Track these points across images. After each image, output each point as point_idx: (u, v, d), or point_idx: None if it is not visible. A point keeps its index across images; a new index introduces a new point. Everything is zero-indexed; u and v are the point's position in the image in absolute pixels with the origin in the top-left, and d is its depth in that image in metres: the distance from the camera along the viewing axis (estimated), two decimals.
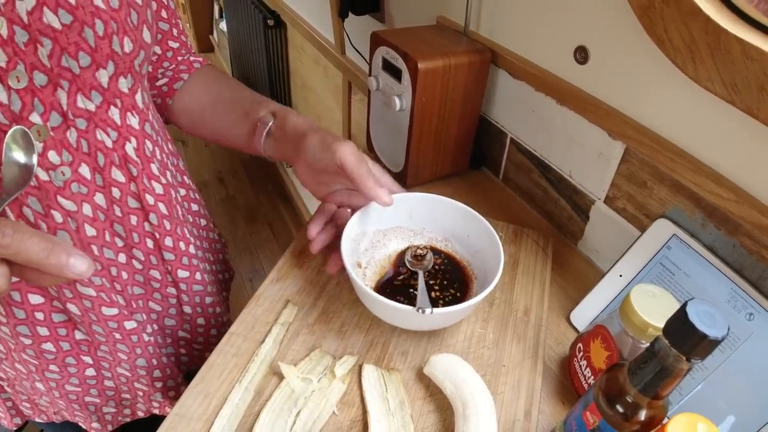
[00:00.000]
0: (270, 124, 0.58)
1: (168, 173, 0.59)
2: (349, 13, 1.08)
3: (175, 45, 0.65)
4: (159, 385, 0.68)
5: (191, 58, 0.68)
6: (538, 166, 0.71)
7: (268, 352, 0.51)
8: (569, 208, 0.68)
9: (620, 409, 0.37)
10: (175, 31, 0.64)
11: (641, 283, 0.45)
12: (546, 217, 0.73)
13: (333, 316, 0.55)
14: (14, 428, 0.70)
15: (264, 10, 1.92)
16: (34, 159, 0.38)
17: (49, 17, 0.41)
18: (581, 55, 0.58)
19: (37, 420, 0.69)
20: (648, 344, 0.35)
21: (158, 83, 0.65)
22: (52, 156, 0.46)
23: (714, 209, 0.50)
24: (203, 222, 0.71)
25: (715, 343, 0.31)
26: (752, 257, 0.48)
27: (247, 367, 0.49)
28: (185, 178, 0.67)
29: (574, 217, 0.68)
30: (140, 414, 0.72)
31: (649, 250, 0.55)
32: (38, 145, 0.44)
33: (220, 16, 2.93)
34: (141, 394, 0.68)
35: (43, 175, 0.46)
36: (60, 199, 0.47)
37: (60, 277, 0.34)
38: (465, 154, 0.81)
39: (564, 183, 0.67)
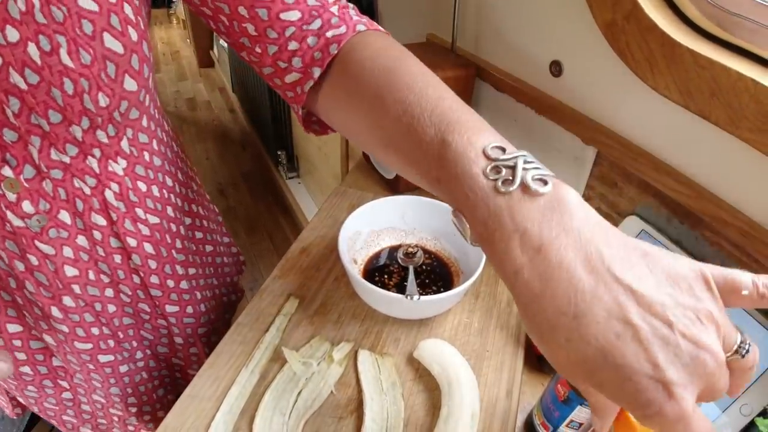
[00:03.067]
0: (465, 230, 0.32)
1: (168, 208, 0.57)
2: None
3: (290, 16, 0.42)
4: (134, 410, 0.68)
5: (330, 31, 0.42)
6: None
7: (271, 339, 0.55)
8: None
9: None
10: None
11: None
12: None
13: (331, 308, 0.60)
14: (15, 417, 0.72)
15: None
16: None
17: (15, 78, 0.39)
18: (556, 68, 0.64)
19: (36, 409, 0.69)
20: None
21: (287, 79, 0.44)
22: (26, 206, 0.45)
23: (677, 205, 0.55)
24: (209, 248, 0.69)
25: None
26: (713, 248, 0.53)
27: (253, 353, 0.54)
28: (194, 206, 0.64)
29: None
30: None
31: None
32: (11, 196, 0.44)
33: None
34: (116, 419, 0.68)
35: (18, 222, 0.45)
36: (38, 243, 0.47)
37: None
38: None
39: None
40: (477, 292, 0.63)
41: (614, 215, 0.63)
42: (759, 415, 0.49)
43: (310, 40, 0.42)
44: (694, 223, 0.54)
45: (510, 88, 0.73)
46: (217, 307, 0.71)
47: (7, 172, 0.43)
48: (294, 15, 0.42)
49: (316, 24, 0.42)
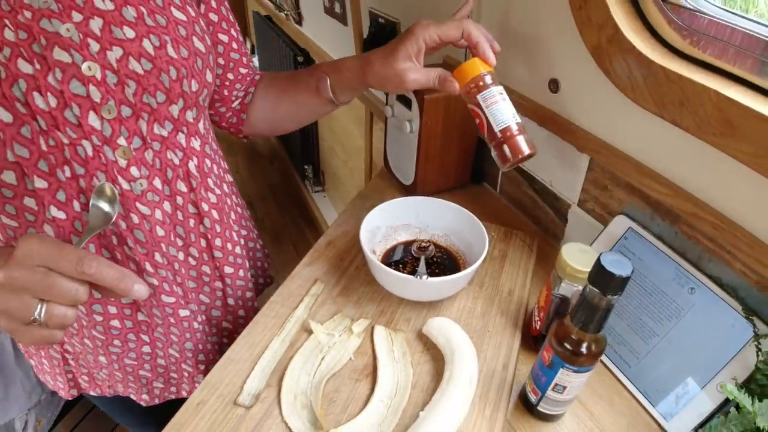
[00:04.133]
0: (328, 84, 0.70)
1: (224, 185, 0.71)
2: None
3: (244, 71, 0.75)
4: (202, 367, 0.78)
5: (255, 76, 0.79)
6: (526, 178, 0.84)
7: (300, 314, 0.64)
8: (552, 213, 0.81)
9: (567, 345, 0.49)
10: (244, 59, 0.75)
11: (571, 242, 0.57)
12: (535, 222, 0.86)
13: (352, 291, 0.69)
14: (70, 398, 0.80)
15: (294, 47, 2.12)
16: (115, 210, 0.51)
17: (134, 64, 0.51)
18: (554, 85, 0.72)
19: (92, 393, 0.78)
20: (568, 283, 0.47)
21: (233, 105, 0.77)
22: (134, 171, 0.56)
23: (659, 204, 0.62)
24: (245, 232, 0.82)
25: (624, 280, 0.42)
26: (691, 241, 0.60)
27: (284, 325, 0.62)
28: (233, 197, 0.77)
29: (555, 220, 0.80)
30: (184, 393, 0.81)
31: (611, 242, 0.67)
32: (122, 162, 0.55)
33: (253, 52, 3.18)
34: (186, 374, 0.77)
35: (125, 185, 0.56)
36: (138, 204, 0.57)
37: (125, 297, 0.47)
38: (466, 169, 0.94)
39: (546, 191, 0.80)
40: (481, 283, 0.71)
41: (606, 215, 0.70)
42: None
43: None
44: (673, 220, 0.61)
45: (515, 103, 0.81)
46: (254, 284, 0.82)
47: (122, 141, 0.54)
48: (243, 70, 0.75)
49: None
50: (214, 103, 0.76)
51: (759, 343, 0.52)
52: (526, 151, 0.60)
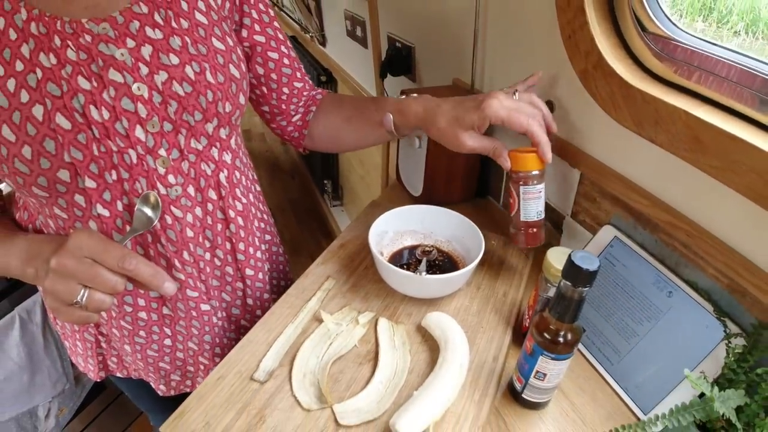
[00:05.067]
0: (391, 122, 0.76)
1: (250, 195, 0.78)
2: (388, 74, 1.34)
3: (299, 85, 0.81)
4: (218, 360, 0.82)
5: (313, 93, 0.85)
6: None
7: (312, 306, 0.71)
8: (549, 225, 0.86)
9: (546, 335, 0.54)
10: (298, 74, 0.81)
11: (556, 247, 0.63)
12: None
13: (360, 288, 0.76)
14: (98, 380, 0.86)
15: (318, 67, 2.24)
16: (157, 216, 0.59)
17: (176, 87, 0.59)
18: (549, 107, 0.79)
19: (118, 374, 0.85)
20: (553, 283, 0.53)
21: (294, 119, 0.84)
22: (171, 178, 0.63)
23: (640, 214, 0.68)
24: (268, 237, 0.89)
25: (592, 274, 0.48)
26: (669, 248, 0.65)
27: (298, 315, 0.69)
28: (259, 204, 0.85)
29: (552, 231, 0.86)
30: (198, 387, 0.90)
31: (598, 249, 0.72)
32: (161, 170, 0.62)
33: None
34: (202, 368, 0.83)
35: (163, 190, 0.63)
36: (172, 208, 0.64)
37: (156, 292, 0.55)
38: (472, 184, 1.01)
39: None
40: (479, 285, 0.77)
41: (596, 226, 0.76)
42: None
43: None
44: (653, 229, 0.66)
45: None
46: (273, 286, 0.89)
47: (162, 152, 0.61)
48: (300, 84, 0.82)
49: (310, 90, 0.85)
50: (275, 116, 0.84)
51: (729, 342, 0.57)
52: (537, 244, 0.73)
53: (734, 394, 0.47)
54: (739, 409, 0.49)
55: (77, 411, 1.55)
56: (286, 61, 0.78)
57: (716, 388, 0.50)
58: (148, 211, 0.59)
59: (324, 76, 2.18)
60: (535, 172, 0.68)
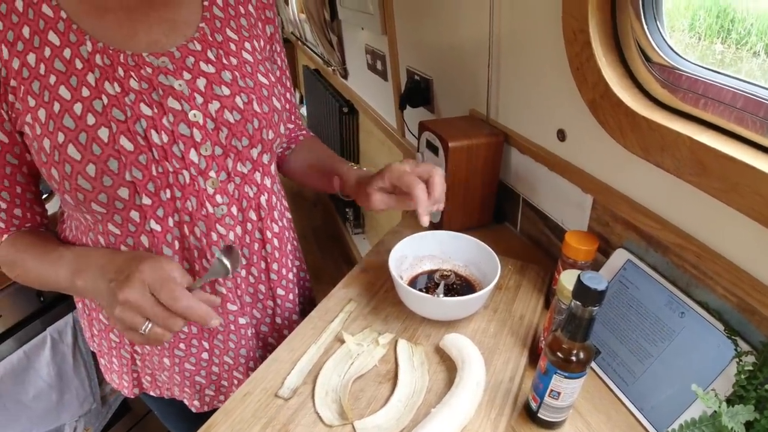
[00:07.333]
0: (338, 185, 0.82)
1: (284, 220, 0.83)
2: (407, 106, 1.39)
3: (291, 126, 0.93)
4: (251, 374, 0.89)
5: (298, 133, 0.95)
6: (541, 218, 0.93)
7: (335, 327, 0.74)
8: None
9: (559, 354, 0.56)
10: (293, 117, 0.92)
11: (567, 270, 0.65)
12: (550, 259, 0.94)
13: (380, 310, 0.79)
14: (132, 396, 0.89)
15: (340, 99, 2.32)
16: (236, 267, 0.64)
17: (227, 115, 0.65)
18: (561, 135, 0.82)
19: (151, 393, 0.87)
20: (566, 304, 0.56)
21: (277, 151, 0.91)
22: (218, 198, 0.68)
23: (651, 237, 0.70)
24: (297, 263, 0.92)
25: (601, 293, 0.51)
26: (680, 270, 0.67)
27: (321, 335, 0.73)
28: (291, 226, 0.88)
29: None
30: None
31: (611, 273, 0.74)
32: (210, 190, 0.67)
33: (301, 102, 3.44)
34: (236, 382, 0.84)
35: (210, 209, 0.68)
36: (218, 225, 0.69)
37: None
38: (489, 210, 1.04)
39: (558, 229, 0.89)
40: (496, 308, 0.79)
41: (609, 249, 0.78)
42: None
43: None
44: (664, 251, 0.68)
45: (529, 151, 0.91)
46: (300, 309, 0.92)
47: (212, 174, 0.67)
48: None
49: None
50: None
51: (740, 360, 0.58)
52: None
53: (743, 409, 0.48)
54: (749, 425, 0.49)
55: (102, 431, 1.58)
56: (287, 105, 0.87)
57: (725, 404, 0.51)
58: (227, 262, 0.64)
59: (346, 108, 2.26)
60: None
